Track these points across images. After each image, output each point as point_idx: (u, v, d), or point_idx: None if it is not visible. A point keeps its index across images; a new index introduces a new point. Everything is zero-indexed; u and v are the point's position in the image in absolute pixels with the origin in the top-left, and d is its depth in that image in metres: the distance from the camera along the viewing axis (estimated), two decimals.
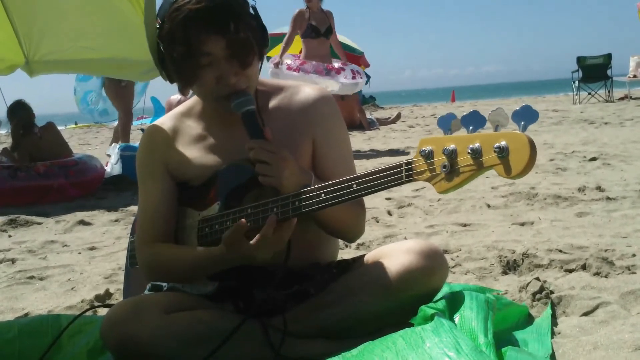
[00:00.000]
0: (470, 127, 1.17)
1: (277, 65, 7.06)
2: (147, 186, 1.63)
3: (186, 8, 1.40)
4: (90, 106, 12.61)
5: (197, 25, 1.40)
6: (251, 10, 1.49)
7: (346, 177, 1.32)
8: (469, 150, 1.13)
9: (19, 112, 5.58)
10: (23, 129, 5.54)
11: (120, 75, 2.71)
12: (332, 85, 6.97)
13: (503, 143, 1.09)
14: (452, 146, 1.16)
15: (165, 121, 1.67)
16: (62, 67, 2.82)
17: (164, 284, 1.66)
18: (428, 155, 1.19)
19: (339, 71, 7.18)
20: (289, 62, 7.13)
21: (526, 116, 1.12)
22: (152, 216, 1.60)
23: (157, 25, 1.49)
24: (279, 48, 13.47)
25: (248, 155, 1.46)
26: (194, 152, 1.60)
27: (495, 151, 1.10)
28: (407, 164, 1.22)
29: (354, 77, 7.25)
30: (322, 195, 1.35)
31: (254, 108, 1.49)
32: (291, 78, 6.81)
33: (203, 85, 1.49)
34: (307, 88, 1.64)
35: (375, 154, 6.85)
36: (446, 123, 1.21)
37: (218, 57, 1.44)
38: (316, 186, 1.37)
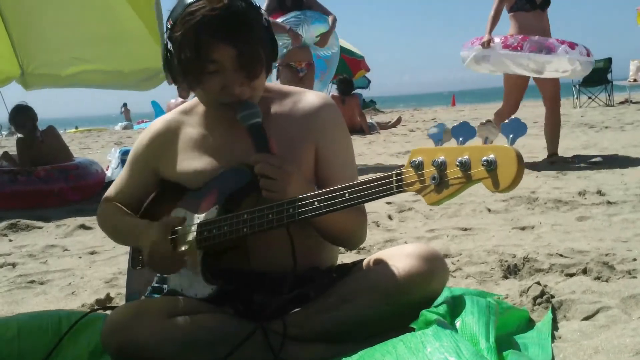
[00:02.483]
0: (460, 139, 1.16)
1: (486, 44, 5.40)
2: (131, 171, 1.74)
3: (200, 13, 1.40)
4: None
5: (209, 32, 1.40)
6: (264, 22, 1.49)
7: (339, 186, 1.32)
8: (458, 163, 1.13)
9: (18, 115, 5.57)
10: (22, 133, 5.54)
11: (118, 86, 2.70)
12: (568, 64, 5.26)
13: (491, 156, 1.09)
14: (441, 158, 1.15)
15: (167, 119, 1.68)
16: (56, 81, 2.81)
17: (164, 285, 1.66)
18: (418, 166, 1.19)
19: (572, 45, 5.24)
20: (503, 39, 5.41)
21: (515, 129, 1.12)
22: (123, 190, 1.74)
23: (169, 26, 1.49)
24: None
25: (247, 159, 1.46)
26: (193, 153, 1.60)
27: (483, 164, 1.09)
28: (398, 174, 1.23)
29: (588, 54, 5.35)
30: (316, 203, 1.35)
31: (260, 121, 1.49)
32: (509, 58, 5.34)
33: (207, 91, 1.49)
34: (311, 95, 1.64)
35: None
36: (437, 133, 1.20)
37: (226, 66, 1.44)
38: (310, 194, 1.37)
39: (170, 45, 1.48)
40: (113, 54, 2.55)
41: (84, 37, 2.60)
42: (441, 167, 1.15)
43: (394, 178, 1.23)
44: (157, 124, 1.70)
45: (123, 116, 24.73)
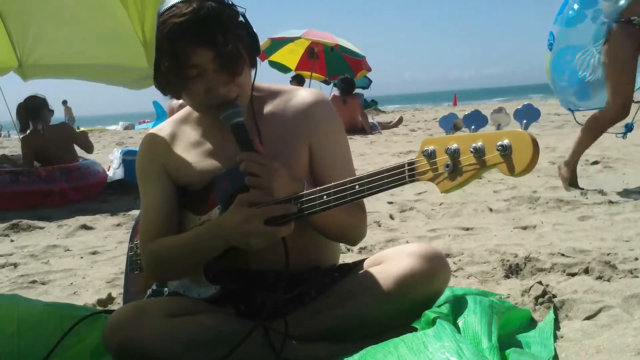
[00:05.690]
0: (472, 127, 1.17)
1: None
2: (147, 190, 1.64)
3: (171, 22, 1.40)
4: (583, 78, 4.07)
5: (183, 38, 1.40)
6: (240, 18, 1.49)
7: (348, 179, 1.32)
8: (472, 149, 1.13)
9: (23, 115, 5.55)
10: (22, 129, 5.51)
11: (113, 82, 2.68)
12: None
13: (506, 141, 1.10)
14: (454, 145, 1.16)
15: (163, 127, 1.67)
16: (55, 72, 2.79)
17: (165, 289, 1.66)
18: (430, 155, 1.19)
19: None
20: None
21: (528, 114, 1.13)
22: (154, 218, 1.61)
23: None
24: (281, 52, 13.43)
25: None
26: (192, 157, 1.60)
27: (498, 149, 1.10)
28: (410, 164, 1.23)
29: None
30: (325, 197, 1.34)
31: (242, 120, 1.48)
32: None
33: (192, 96, 1.48)
34: (303, 92, 1.63)
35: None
36: (448, 123, 1.21)
37: (206, 69, 1.43)
38: (318, 188, 1.37)
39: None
40: (112, 50, 2.54)
41: (83, 34, 2.59)
42: (454, 154, 1.16)
43: (406, 167, 1.23)
44: (153, 133, 1.67)
45: (66, 117, 20.84)
